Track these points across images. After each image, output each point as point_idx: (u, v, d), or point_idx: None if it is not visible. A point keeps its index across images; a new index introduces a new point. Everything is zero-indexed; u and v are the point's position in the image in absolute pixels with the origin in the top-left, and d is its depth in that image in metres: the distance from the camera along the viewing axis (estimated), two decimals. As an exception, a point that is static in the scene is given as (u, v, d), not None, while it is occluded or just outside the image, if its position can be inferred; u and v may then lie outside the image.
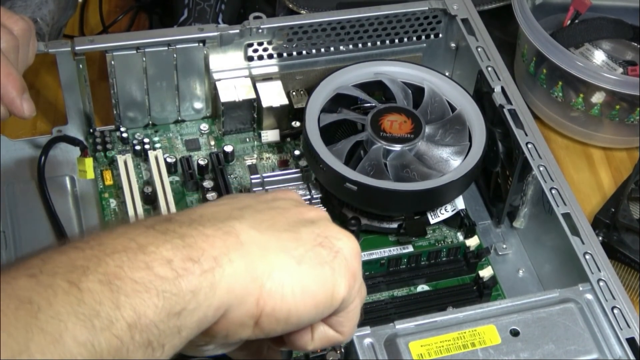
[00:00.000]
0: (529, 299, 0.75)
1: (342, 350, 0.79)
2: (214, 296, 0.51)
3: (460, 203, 0.90)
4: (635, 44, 1.07)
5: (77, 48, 0.89)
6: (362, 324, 0.78)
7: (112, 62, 0.92)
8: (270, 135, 0.98)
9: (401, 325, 0.72)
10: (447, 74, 1.00)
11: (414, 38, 1.00)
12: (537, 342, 0.71)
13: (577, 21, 1.05)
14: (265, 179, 0.89)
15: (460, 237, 0.91)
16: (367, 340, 0.71)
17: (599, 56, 1.06)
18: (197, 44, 0.93)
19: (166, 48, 0.92)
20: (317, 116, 0.89)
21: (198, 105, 0.99)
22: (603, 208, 0.93)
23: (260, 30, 0.94)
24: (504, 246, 0.91)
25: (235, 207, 0.57)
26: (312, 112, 0.89)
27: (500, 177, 0.91)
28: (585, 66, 0.95)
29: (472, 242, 0.88)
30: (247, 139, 0.99)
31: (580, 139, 1.04)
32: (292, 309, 0.54)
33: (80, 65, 0.92)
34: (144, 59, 0.92)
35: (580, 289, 0.76)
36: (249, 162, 0.97)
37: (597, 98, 0.96)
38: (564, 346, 0.71)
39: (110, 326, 0.46)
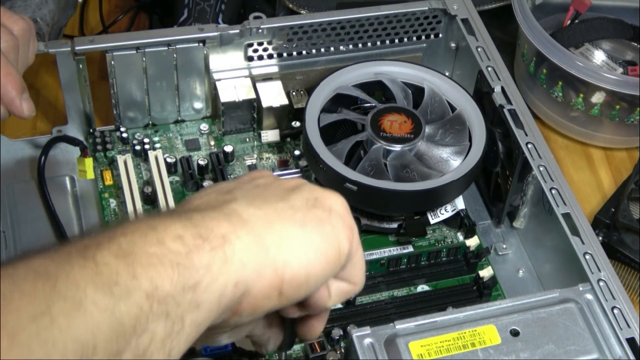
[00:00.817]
0: (529, 299, 0.75)
1: (342, 350, 0.80)
2: (228, 272, 0.52)
3: (460, 203, 0.90)
4: (635, 44, 1.07)
5: (77, 48, 0.89)
6: (362, 323, 0.79)
7: (112, 62, 0.92)
8: (270, 135, 0.98)
9: (401, 325, 0.72)
10: (447, 74, 1.00)
11: (414, 38, 1.00)
12: (537, 342, 0.71)
13: (577, 21, 1.05)
14: (265, 179, 0.89)
15: (460, 237, 0.91)
16: (367, 340, 0.71)
17: (599, 56, 1.06)
18: (197, 44, 0.93)
19: (166, 48, 0.92)
20: (317, 116, 0.89)
21: (198, 105, 0.99)
22: (603, 208, 0.93)
23: (260, 30, 0.94)
24: (504, 246, 0.91)
25: (223, 193, 0.59)
26: (312, 112, 0.89)
27: (500, 177, 0.91)
28: (585, 66, 0.95)
29: (472, 242, 0.88)
30: (247, 139, 0.99)
31: (580, 139, 1.04)
32: (308, 271, 0.56)
33: (80, 65, 0.92)
34: (144, 59, 0.92)
35: (580, 289, 0.76)
36: (249, 162, 0.97)
37: (597, 98, 0.96)
38: (564, 346, 0.71)
39: (128, 295, 0.46)
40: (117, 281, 0.47)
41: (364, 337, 0.71)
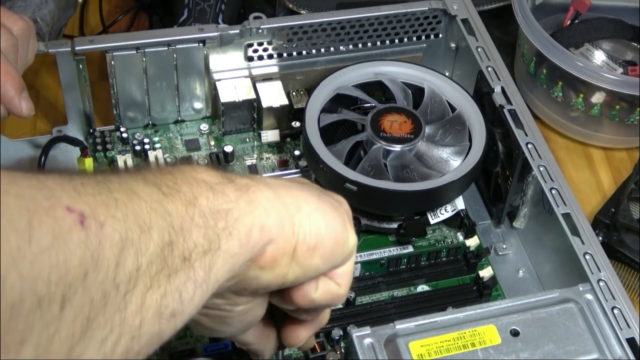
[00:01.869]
0: (529, 299, 0.75)
1: (342, 350, 0.80)
2: (254, 213, 0.53)
3: (460, 203, 0.90)
4: (635, 44, 1.07)
5: (77, 48, 0.89)
6: (362, 323, 0.79)
7: (112, 62, 0.92)
8: (270, 135, 0.98)
9: (401, 326, 0.72)
10: (447, 74, 1.00)
11: (414, 38, 1.00)
12: (537, 342, 0.71)
13: (577, 21, 1.05)
14: (265, 179, 0.89)
15: (460, 237, 0.91)
16: (367, 340, 0.71)
17: (599, 56, 1.06)
18: (197, 44, 0.93)
19: (166, 48, 0.92)
20: (317, 116, 0.89)
21: (198, 105, 0.99)
22: (603, 208, 0.93)
23: (260, 31, 0.94)
24: (504, 246, 0.91)
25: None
26: (312, 112, 0.89)
27: (500, 177, 0.91)
28: (585, 66, 0.95)
29: (472, 242, 0.88)
30: (247, 139, 0.99)
31: (580, 139, 1.04)
32: (319, 240, 0.57)
33: (80, 66, 0.92)
34: (144, 59, 0.92)
35: (580, 289, 0.76)
36: (249, 162, 0.97)
37: (597, 98, 0.96)
38: (564, 346, 0.71)
39: (174, 195, 0.49)
40: (164, 184, 0.50)
41: (364, 337, 0.71)
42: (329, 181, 0.86)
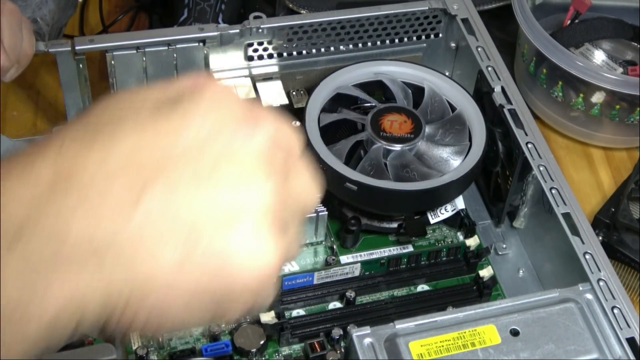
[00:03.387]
0: (529, 298, 0.75)
1: (342, 350, 0.80)
2: None
3: (460, 203, 0.90)
4: (635, 44, 1.07)
5: (77, 48, 0.89)
6: (362, 323, 0.79)
7: (112, 62, 0.92)
8: (270, 135, 0.98)
9: (401, 325, 0.72)
10: (447, 73, 1.00)
11: (414, 38, 1.00)
12: (537, 342, 0.71)
13: (577, 21, 1.05)
14: (265, 179, 0.89)
15: (460, 237, 0.91)
16: (367, 340, 0.71)
17: (599, 56, 1.06)
18: (197, 44, 0.93)
19: (166, 48, 0.92)
20: (317, 116, 0.89)
21: (198, 105, 0.99)
22: (603, 208, 0.92)
23: (260, 30, 0.94)
24: (504, 246, 0.91)
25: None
26: (312, 111, 0.89)
27: (500, 177, 0.91)
28: (585, 66, 0.95)
29: (472, 242, 0.88)
30: (248, 139, 0.99)
31: (580, 139, 1.04)
32: None
33: (81, 65, 0.92)
34: (144, 58, 0.92)
35: (580, 288, 0.76)
36: (249, 162, 0.97)
37: (597, 98, 0.96)
38: (564, 346, 0.71)
39: None
40: None
41: (364, 336, 0.71)
42: (329, 181, 0.86)
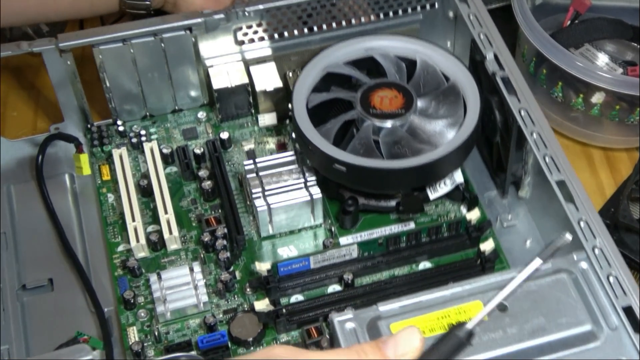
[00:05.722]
0: (519, 272, 0.71)
1: (327, 336, 0.78)
2: None
3: (458, 176, 0.87)
4: (635, 44, 1.05)
5: (61, 44, 0.89)
6: (361, 305, 0.76)
7: (100, 56, 0.91)
8: (267, 119, 0.96)
9: (384, 307, 0.70)
10: (448, 44, 0.97)
11: (409, 9, 0.97)
12: (526, 316, 0.68)
13: (577, 21, 1.03)
14: (258, 165, 0.87)
15: (464, 210, 0.88)
16: (349, 325, 0.68)
17: (599, 56, 1.03)
18: (183, 32, 0.92)
19: (152, 38, 0.91)
20: (305, 97, 0.87)
21: (194, 93, 0.97)
22: (603, 208, 0.91)
23: (246, 14, 0.92)
24: (509, 217, 0.88)
25: None
26: (300, 92, 0.87)
27: (501, 147, 0.87)
28: (585, 66, 0.92)
29: (473, 215, 0.85)
30: (246, 124, 0.97)
31: (580, 139, 1.01)
32: None
33: (69, 62, 0.91)
34: (131, 50, 0.91)
35: (575, 257, 0.72)
36: (247, 147, 0.95)
37: (597, 98, 0.93)
38: (555, 319, 0.68)
39: None
40: None
41: (345, 321, 0.69)
42: (319, 163, 0.84)
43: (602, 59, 1.01)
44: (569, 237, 0.56)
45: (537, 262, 0.57)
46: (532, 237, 0.86)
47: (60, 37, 0.89)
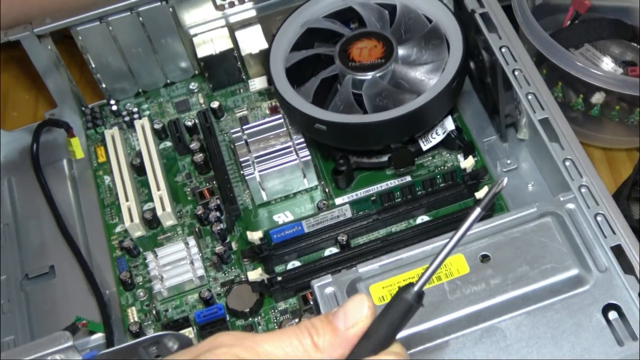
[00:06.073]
0: (502, 219, 0.68)
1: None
2: None
3: (449, 124, 0.83)
4: (635, 44, 1.00)
5: (36, 30, 0.88)
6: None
7: (80, 38, 0.90)
8: (257, 83, 0.94)
9: (364, 268, 0.67)
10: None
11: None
12: (509, 265, 0.65)
13: (577, 21, 0.99)
14: (246, 131, 0.85)
15: (462, 159, 0.85)
16: (329, 290, 0.67)
17: (598, 57, 0.99)
18: (159, 3, 0.89)
19: (129, 13, 0.89)
20: (284, 56, 0.84)
21: (183, 64, 0.96)
22: None
23: (221, -24, 0.90)
24: (508, 162, 0.84)
25: None
26: (277, 52, 0.84)
27: (492, 87, 0.83)
28: (585, 66, 0.88)
29: (467, 163, 0.81)
30: (238, 91, 0.95)
31: (580, 139, 0.96)
32: None
33: (49, 47, 0.90)
34: (110, 28, 0.90)
35: (561, 199, 0.69)
36: (239, 114, 0.93)
37: (597, 98, 0.89)
38: (539, 266, 0.65)
39: None
40: None
41: (324, 286, 0.67)
42: (300, 124, 0.81)
43: (602, 59, 0.98)
44: (504, 181, 0.53)
45: (477, 212, 0.54)
46: (534, 180, 0.83)
47: (34, 22, 0.88)
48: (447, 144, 0.85)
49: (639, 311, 0.62)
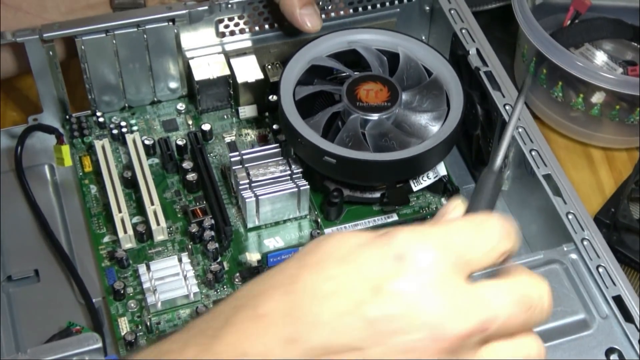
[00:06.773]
0: (512, 262, 0.74)
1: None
2: None
3: (441, 169, 0.89)
4: (635, 44, 1.06)
5: (45, 35, 0.88)
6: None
7: (83, 47, 0.91)
8: (247, 110, 0.97)
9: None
10: (423, 38, 0.99)
11: (387, 3, 0.99)
12: (522, 306, 0.71)
13: (577, 21, 1.03)
14: (244, 156, 0.88)
15: (445, 202, 0.90)
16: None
17: (599, 56, 1.04)
18: (166, 23, 0.92)
19: (135, 29, 0.91)
20: (292, 89, 0.88)
21: (173, 84, 0.98)
22: (603, 208, 0.91)
23: (229, 6, 0.93)
24: (485, 209, 0.90)
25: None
26: (287, 85, 0.88)
27: (482, 140, 0.90)
28: (585, 66, 0.92)
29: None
30: (225, 116, 0.98)
31: (580, 139, 1.03)
32: None
33: (51, 52, 0.91)
34: (114, 41, 0.91)
35: (565, 249, 0.75)
36: (228, 139, 0.96)
37: (597, 98, 0.95)
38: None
39: None
40: None
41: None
42: (308, 155, 0.85)
43: (602, 59, 1.03)
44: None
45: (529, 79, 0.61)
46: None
47: (43, 27, 0.88)
48: (432, 187, 0.90)
49: (639, 357, 0.69)
